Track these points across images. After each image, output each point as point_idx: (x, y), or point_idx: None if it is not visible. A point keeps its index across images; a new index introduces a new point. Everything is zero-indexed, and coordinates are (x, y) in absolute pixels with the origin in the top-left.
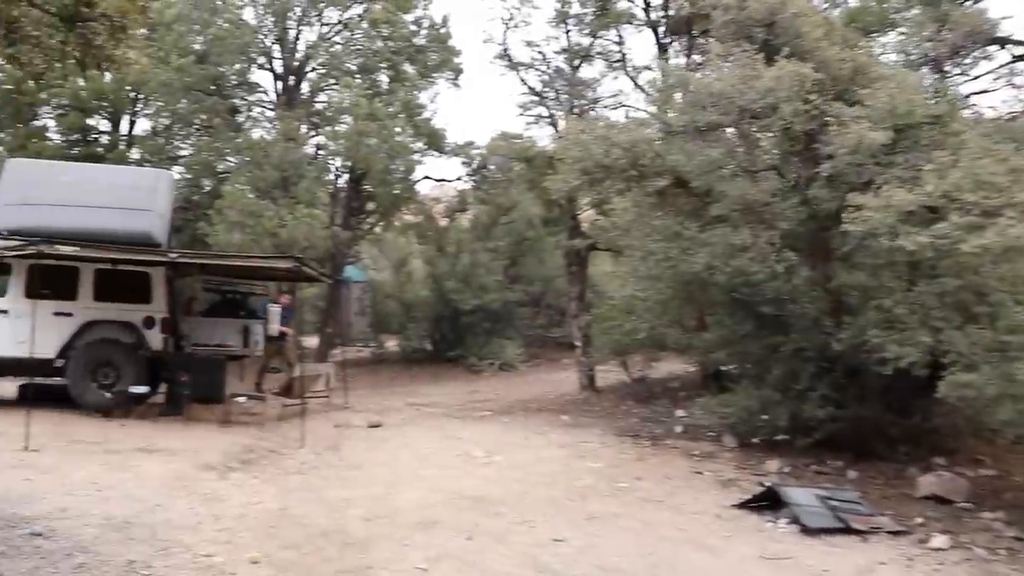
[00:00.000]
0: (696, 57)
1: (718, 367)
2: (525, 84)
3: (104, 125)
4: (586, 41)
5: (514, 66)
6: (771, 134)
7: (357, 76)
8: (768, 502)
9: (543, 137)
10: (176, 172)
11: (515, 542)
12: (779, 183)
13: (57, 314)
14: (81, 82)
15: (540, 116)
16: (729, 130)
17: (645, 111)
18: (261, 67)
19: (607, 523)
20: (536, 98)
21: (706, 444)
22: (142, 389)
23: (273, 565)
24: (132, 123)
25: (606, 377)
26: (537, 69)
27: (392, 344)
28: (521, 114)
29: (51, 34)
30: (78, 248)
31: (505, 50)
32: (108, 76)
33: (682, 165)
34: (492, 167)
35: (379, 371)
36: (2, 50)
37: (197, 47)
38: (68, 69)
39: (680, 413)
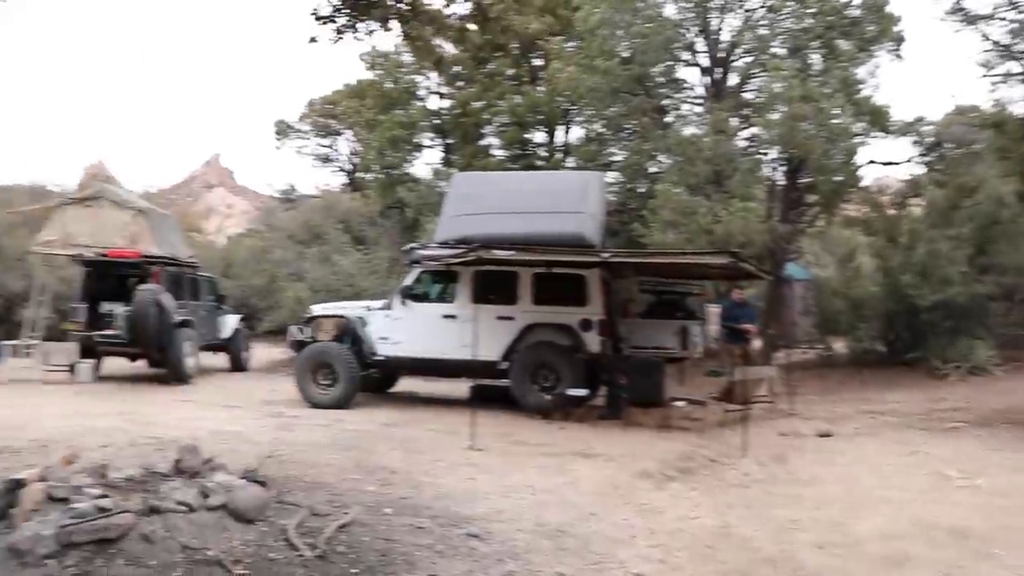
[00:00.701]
0: None
1: None
2: (987, 39)
3: (540, 137)
4: None
5: (971, 19)
6: None
7: (786, 59)
8: None
9: (1014, 99)
10: (610, 177)
11: None
12: None
13: (500, 318)
14: (518, 98)
15: (1009, 74)
16: None
17: None
18: (686, 63)
19: None
20: (1003, 52)
21: None
22: (581, 391)
23: None
24: (566, 132)
25: None
26: (1001, 17)
27: (840, 345)
28: (985, 75)
29: (447, 15)
30: (513, 252)
31: (958, 2)
32: (541, 90)
33: None
34: (949, 143)
35: (826, 375)
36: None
37: (621, 50)
38: (469, 46)
39: None
